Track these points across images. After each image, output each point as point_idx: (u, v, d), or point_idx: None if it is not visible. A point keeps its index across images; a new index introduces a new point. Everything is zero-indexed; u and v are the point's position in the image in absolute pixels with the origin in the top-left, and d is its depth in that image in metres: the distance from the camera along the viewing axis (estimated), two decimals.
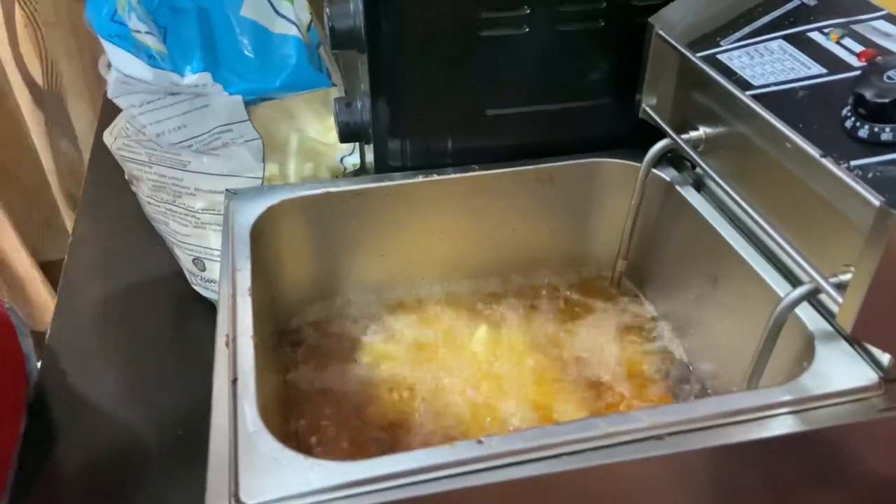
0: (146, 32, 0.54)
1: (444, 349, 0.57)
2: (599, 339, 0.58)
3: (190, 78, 0.54)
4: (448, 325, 0.59)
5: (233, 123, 0.58)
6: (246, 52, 0.58)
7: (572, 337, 0.58)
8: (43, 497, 0.52)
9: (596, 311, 0.60)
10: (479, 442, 0.36)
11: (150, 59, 0.54)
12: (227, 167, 0.60)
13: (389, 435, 0.51)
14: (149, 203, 0.64)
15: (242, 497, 0.34)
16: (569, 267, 0.63)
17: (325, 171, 0.65)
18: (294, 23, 0.58)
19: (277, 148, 0.63)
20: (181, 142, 0.58)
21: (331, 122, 0.64)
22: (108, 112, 0.77)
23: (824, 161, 0.39)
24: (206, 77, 0.55)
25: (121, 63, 0.54)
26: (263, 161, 0.61)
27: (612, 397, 0.53)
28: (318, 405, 0.53)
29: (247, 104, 0.58)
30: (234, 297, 0.45)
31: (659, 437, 0.37)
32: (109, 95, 0.57)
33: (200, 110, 0.58)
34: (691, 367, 0.56)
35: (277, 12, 0.58)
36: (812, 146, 0.40)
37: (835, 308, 0.39)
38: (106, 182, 0.86)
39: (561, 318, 0.60)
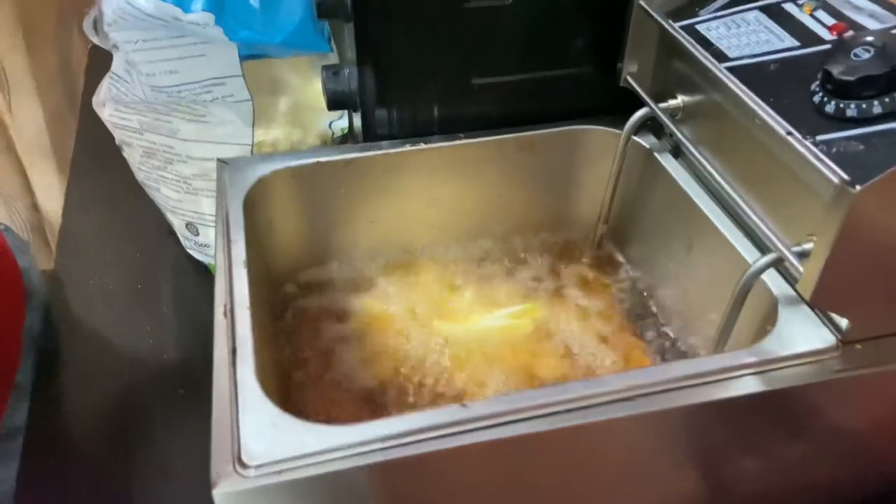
0: None
1: (433, 311, 0.59)
2: (579, 299, 0.61)
3: (193, 15, 0.54)
4: (437, 288, 0.61)
5: (226, 77, 0.59)
6: (252, 3, 0.57)
7: (555, 297, 0.61)
8: (52, 452, 0.56)
9: (577, 273, 0.63)
10: (464, 406, 0.39)
11: None
12: (216, 134, 0.61)
13: (381, 395, 0.54)
14: (140, 170, 0.66)
15: (244, 459, 0.36)
16: (552, 230, 0.66)
17: (314, 137, 0.66)
18: None
19: (266, 114, 0.64)
20: (171, 86, 0.59)
21: (319, 87, 0.65)
22: (94, 79, 0.77)
23: (790, 138, 0.41)
24: (208, 17, 0.54)
25: None
26: (253, 126, 0.62)
27: (589, 355, 0.56)
28: (312, 368, 0.56)
29: (239, 60, 0.58)
30: (230, 268, 0.47)
31: (630, 399, 0.39)
32: (106, 27, 0.57)
33: (196, 59, 0.58)
34: (665, 327, 0.59)
35: None
36: (780, 122, 0.42)
37: (798, 275, 0.42)
38: (96, 146, 0.86)
39: (544, 279, 0.62)
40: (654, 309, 0.60)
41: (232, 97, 0.60)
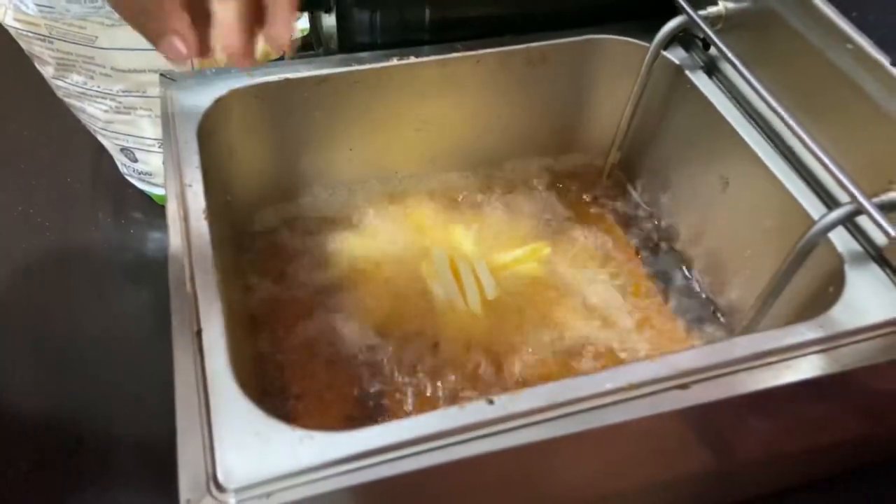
0: None
1: (423, 251, 0.51)
2: (588, 239, 0.54)
3: None
4: (427, 225, 0.53)
5: None
6: None
7: (561, 236, 0.54)
8: None
9: (585, 208, 0.56)
10: (490, 402, 0.32)
11: None
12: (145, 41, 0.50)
13: (376, 370, 0.46)
14: (58, 86, 0.54)
15: (222, 480, 0.29)
16: (556, 157, 0.57)
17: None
18: None
19: None
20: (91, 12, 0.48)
21: None
22: None
23: (892, 68, 0.33)
24: None
25: None
26: None
27: (604, 305, 0.50)
28: (286, 321, 0.48)
29: None
30: (186, 221, 0.38)
31: (683, 386, 0.33)
32: None
33: None
34: (689, 273, 0.52)
35: None
36: (874, 47, 0.34)
37: (876, 234, 0.36)
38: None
39: (549, 214, 0.55)
40: (672, 249, 0.53)
41: None
